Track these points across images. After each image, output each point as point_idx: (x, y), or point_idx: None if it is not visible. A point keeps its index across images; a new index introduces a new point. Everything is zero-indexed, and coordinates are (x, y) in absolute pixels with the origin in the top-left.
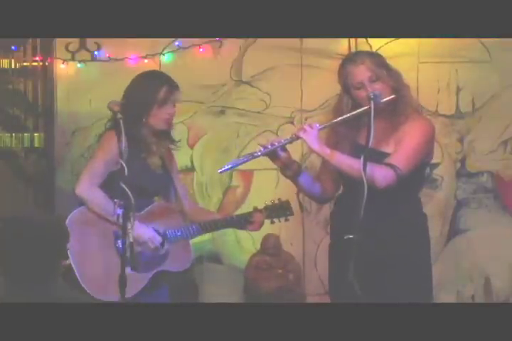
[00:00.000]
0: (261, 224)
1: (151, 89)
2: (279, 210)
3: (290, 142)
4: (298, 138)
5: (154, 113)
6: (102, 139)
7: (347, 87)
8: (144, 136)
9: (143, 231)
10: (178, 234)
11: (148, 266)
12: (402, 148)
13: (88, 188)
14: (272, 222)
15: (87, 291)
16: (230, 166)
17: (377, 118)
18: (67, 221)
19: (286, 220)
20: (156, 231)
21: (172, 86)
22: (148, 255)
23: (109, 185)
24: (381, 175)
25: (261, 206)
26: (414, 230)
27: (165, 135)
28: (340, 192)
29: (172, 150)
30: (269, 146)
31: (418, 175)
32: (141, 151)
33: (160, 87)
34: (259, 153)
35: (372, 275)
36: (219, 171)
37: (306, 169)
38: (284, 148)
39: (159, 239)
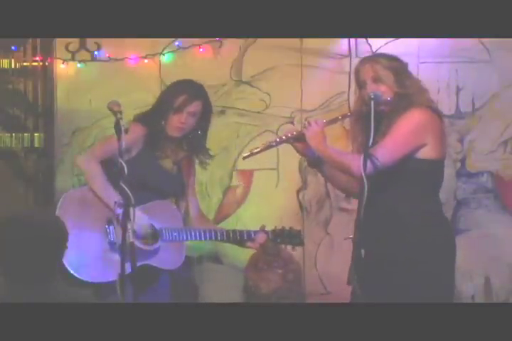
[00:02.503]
0: (261, 245)
1: (170, 96)
2: (286, 238)
3: (297, 136)
4: (303, 134)
5: (170, 119)
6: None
7: (358, 85)
8: (160, 139)
9: (139, 222)
10: (174, 234)
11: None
12: (385, 139)
13: (89, 161)
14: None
15: (68, 268)
16: (250, 153)
17: (382, 119)
18: (62, 198)
19: (294, 250)
20: (152, 226)
21: (192, 97)
22: (138, 247)
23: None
24: (359, 164)
25: (270, 227)
26: (432, 231)
27: (187, 143)
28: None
29: (194, 161)
30: (284, 137)
31: (433, 174)
32: (156, 150)
33: (178, 96)
34: (274, 144)
35: (386, 276)
36: (243, 157)
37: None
38: (297, 140)
39: (146, 231)
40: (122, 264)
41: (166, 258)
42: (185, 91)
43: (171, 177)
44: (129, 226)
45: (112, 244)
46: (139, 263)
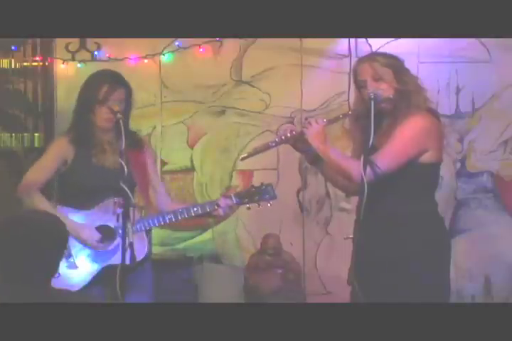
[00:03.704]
0: (225, 209)
1: (92, 88)
2: (254, 195)
3: (296, 137)
4: (303, 133)
5: (97, 111)
6: (52, 143)
7: (357, 84)
8: (93, 134)
9: (81, 230)
10: (137, 226)
11: (94, 262)
12: (387, 145)
13: (25, 189)
14: (248, 208)
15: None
16: (248, 154)
17: (382, 118)
18: None
19: (268, 204)
20: (104, 227)
21: (115, 85)
22: (93, 251)
23: (52, 187)
24: (359, 170)
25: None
26: (428, 233)
27: (121, 133)
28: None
29: (143, 148)
30: (283, 138)
31: (427, 176)
32: (91, 149)
33: (101, 86)
34: (273, 144)
35: (385, 277)
36: (241, 158)
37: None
38: (297, 139)
39: (97, 236)
40: (122, 264)
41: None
42: (106, 80)
43: (116, 172)
44: (129, 226)
45: (71, 263)
46: (101, 266)
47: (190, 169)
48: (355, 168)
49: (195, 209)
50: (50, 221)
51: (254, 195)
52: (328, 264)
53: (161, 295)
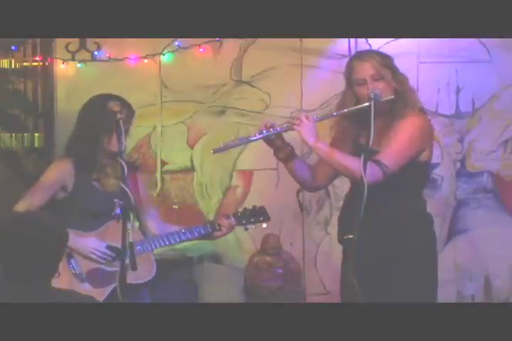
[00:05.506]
0: (228, 230)
1: (109, 114)
2: (250, 217)
3: (285, 131)
4: (293, 129)
5: (108, 136)
6: (52, 165)
7: (351, 82)
8: (99, 158)
9: (94, 246)
10: (138, 247)
11: (106, 281)
12: (389, 145)
13: (26, 209)
14: (246, 229)
15: None
16: (224, 146)
17: (376, 117)
18: None
19: (263, 226)
20: (112, 247)
21: (129, 110)
22: (106, 270)
23: (53, 210)
24: (368, 172)
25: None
26: (417, 230)
27: (121, 134)
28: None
29: (135, 175)
30: (265, 132)
31: (418, 175)
32: (93, 173)
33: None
34: (254, 138)
35: (374, 276)
36: (213, 150)
37: (301, 155)
38: (278, 135)
39: (104, 246)
40: (122, 264)
41: (138, 273)
42: (123, 106)
43: (116, 196)
44: (129, 226)
45: (78, 275)
46: (112, 286)
47: (190, 169)
48: (356, 167)
49: (197, 230)
50: (50, 221)
51: (250, 216)
52: (328, 264)
53: (161, 295)
